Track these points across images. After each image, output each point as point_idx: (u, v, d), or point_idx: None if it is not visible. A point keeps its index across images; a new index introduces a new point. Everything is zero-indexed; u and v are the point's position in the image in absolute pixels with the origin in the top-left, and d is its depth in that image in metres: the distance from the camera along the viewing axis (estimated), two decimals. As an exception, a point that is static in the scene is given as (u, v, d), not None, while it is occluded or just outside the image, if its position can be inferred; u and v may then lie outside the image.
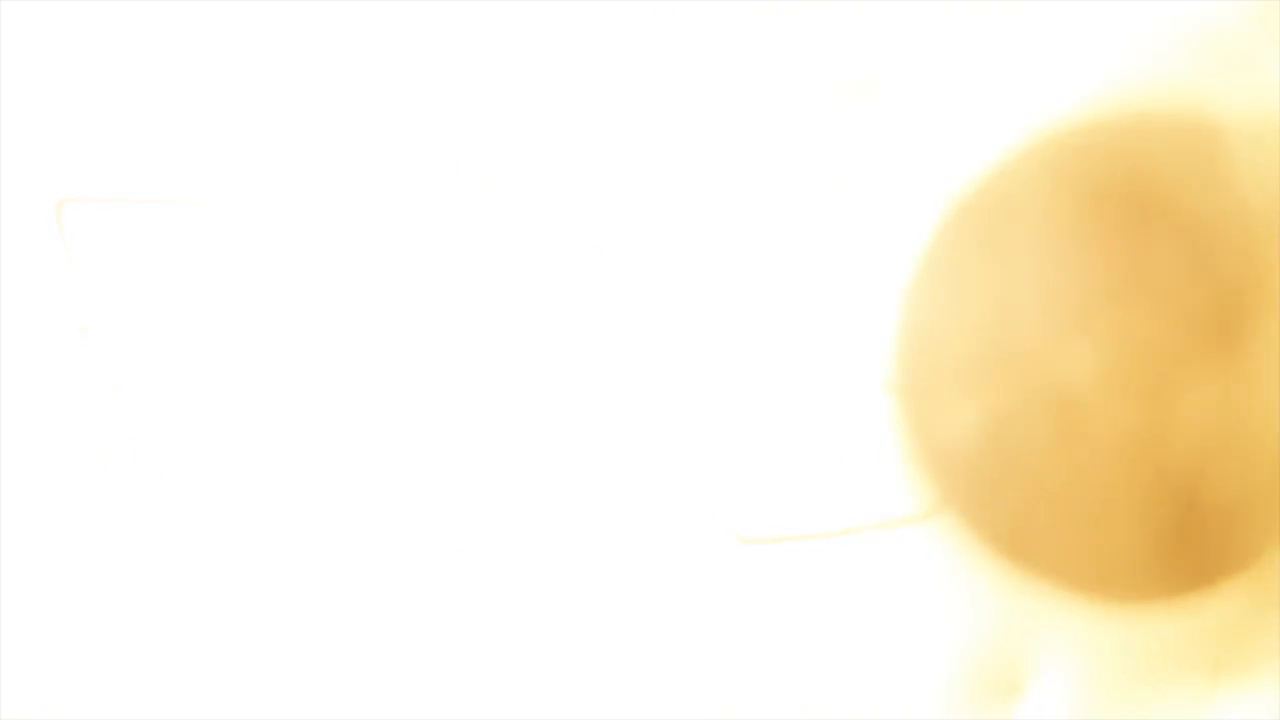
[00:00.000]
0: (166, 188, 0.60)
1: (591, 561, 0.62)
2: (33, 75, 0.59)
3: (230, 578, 0.62)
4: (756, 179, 0.60)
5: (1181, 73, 0.60)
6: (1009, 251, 0.60)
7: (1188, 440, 0.62)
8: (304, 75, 0.60)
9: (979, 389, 0.61)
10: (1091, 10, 0.60)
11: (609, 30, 0.59)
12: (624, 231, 0.60)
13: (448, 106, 0.60)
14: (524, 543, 0.62)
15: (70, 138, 0.59)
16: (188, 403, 0.61)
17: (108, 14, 0.59)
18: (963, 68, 0.59)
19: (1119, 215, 0.61)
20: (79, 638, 0.61)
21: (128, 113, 0.59)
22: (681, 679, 0.62)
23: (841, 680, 0.63)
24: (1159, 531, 0.63)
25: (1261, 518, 0.64)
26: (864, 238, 0.60)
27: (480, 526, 0.62)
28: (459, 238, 0.61)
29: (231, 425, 0.61)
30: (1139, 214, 0.61)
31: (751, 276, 0.60)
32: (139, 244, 0.60)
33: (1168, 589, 0.64)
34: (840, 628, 0.63)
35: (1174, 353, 0.62)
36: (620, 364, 0.61)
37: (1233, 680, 0.65)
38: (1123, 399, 0.62)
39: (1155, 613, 0.64)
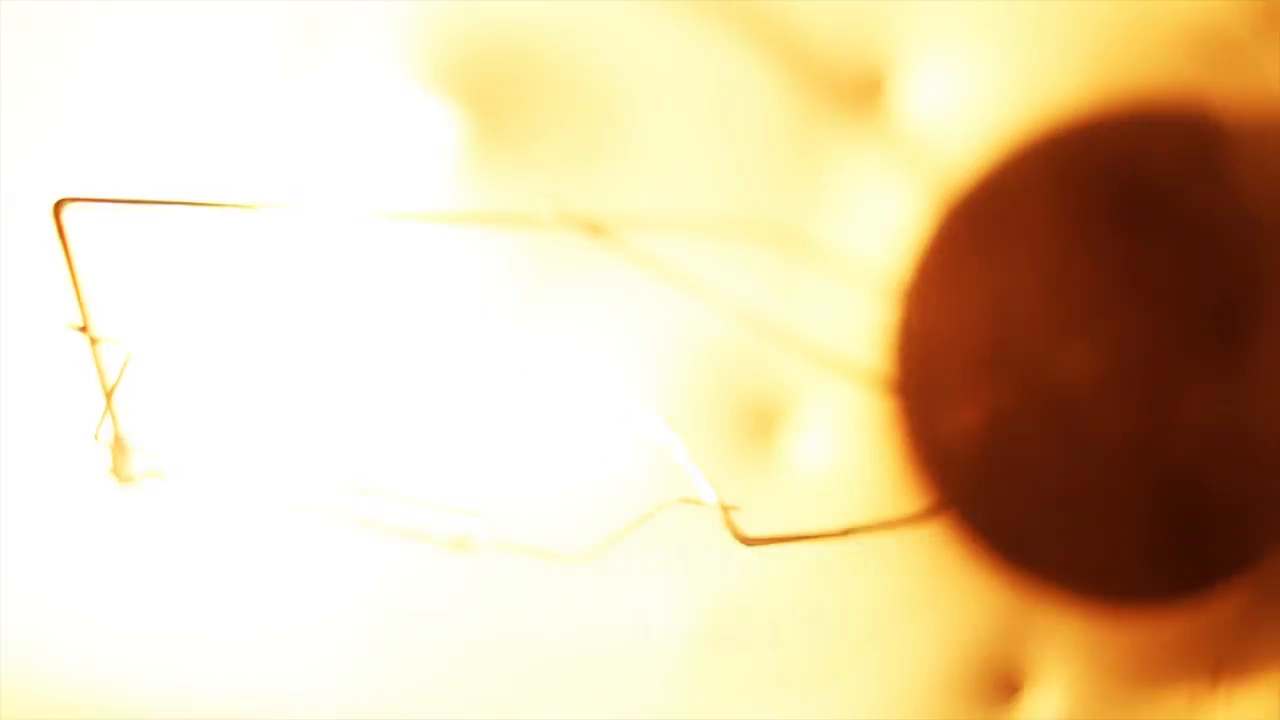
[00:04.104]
0: (165, 188, 0.60)
1: (592, 549, 0.62)
2: (32, 76, 0.59)
3: (227, 576, 0.62)
4: (758, 179, 0.60)
5: (1181, 73, 0.60)
6: (1009, 252, 0.60)
7: (1188, 440, 0.63)
8: (300, 74, 0.60)
9: (979, 389, 0.61)
10: (1093, 11, 0.60)
11: (612, 31, 0.60)
12: (624, 231, 0.60)
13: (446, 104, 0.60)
14: (522, 531, 0.62)
15: (70, 138, 0.59)
16: (188, 402, 0.61)
17: (107, 16, 0.59)
18: (963, 68, 0.59)
19: (1119, 215, 0.61)
20: (79, 637, 0.61)
21: (126, 113, 0.59)
22: (679, 671, 0.62)
23: (841, 679, 0.63)
24: (1159, 531, 0.63)
25: (1261, 518, 0.64)
26: (864, 238, 0.60)
27: (481, 521, 0.62)
28: (456, 238, 0.61)
29: (230, 424, 0.61)
30: (1139, 214, 0.61)
31: (753, 276, 0.60)
32: (139, 244, 0.60)
33: (1168, 589, 0.64)
34: (840, 628, 0.63)
35: (1174, 353, 0.62)
36: (620, 364, 0.61)
37: (1232, 680, 0.65)
38: (1123, 399, 0.62)
39: (1155, 613, 0.64)
